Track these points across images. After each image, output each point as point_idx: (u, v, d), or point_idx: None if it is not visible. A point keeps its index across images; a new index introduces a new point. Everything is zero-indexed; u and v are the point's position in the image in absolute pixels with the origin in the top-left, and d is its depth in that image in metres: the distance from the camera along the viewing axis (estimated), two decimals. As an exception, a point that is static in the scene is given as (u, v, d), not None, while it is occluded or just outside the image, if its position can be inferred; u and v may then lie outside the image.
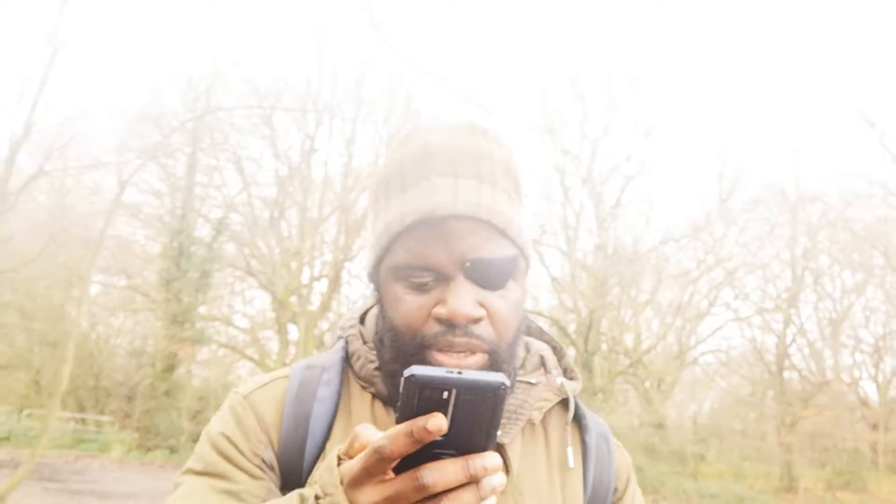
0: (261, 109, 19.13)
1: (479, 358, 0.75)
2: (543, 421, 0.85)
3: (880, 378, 18.69)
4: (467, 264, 0.74)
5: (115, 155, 17.25)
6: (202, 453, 0.79)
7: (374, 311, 0.89)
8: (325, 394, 0.81)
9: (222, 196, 19.14)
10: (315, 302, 18.90)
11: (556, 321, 18.47)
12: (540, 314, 19.45)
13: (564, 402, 0.86)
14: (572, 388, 0.86)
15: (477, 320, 0.75)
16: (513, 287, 0.79)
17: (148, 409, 17.22)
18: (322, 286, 19.27)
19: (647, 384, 18.62)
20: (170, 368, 17.60)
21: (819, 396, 18.11)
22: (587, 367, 16.74)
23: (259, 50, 18.81)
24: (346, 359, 0.86)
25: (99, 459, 15.50)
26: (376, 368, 0.82)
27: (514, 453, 0.79)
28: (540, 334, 0.94)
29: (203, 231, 18.58)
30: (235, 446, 0.78)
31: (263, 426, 0.80)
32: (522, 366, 0.87)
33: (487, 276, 0.75)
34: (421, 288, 0.76)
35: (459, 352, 0.75)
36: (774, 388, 17.93)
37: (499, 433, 0.68)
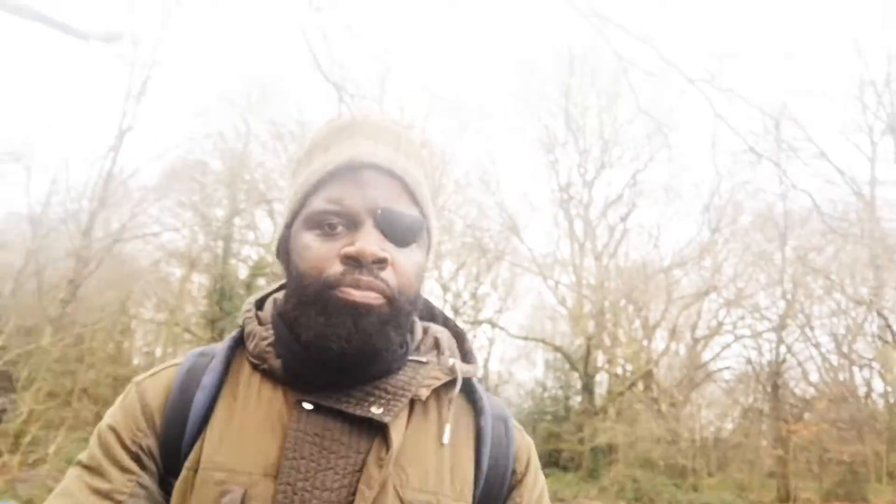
0: (288, 158, 21.25)
1: (380, 299, 0.78)
2: (439, 402, 0.85)
3: (878, 390, 19.40)
4: (378, 212, 0.79)
5: (158, 205, 19.78)
6: (90, 444, 0.82)
7: (274, 296, 0.92)
8: (207, 381, 0.82)
9: (255, 237, 21.23)
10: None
11: (559, 348, 19.82)
12: (543, 341, 20.88)
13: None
14: (465, 369, 0.86)
15: (382, 262, 0.78)
16: (416, 250, 0.83)
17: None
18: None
19: (660, 400, 19.78)
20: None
21: (815, 410, 18.96)
22: (587, 390, 18.07)
23: (283, 98, 20.62)
24: (241, 342, 0.87)
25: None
26: (269, 345, 0.83)
27: (397, 430, 0.78)
28: (444, 321, 0.95)
29: (241, 271, 20.70)
30: (117, 436, 0.81)
31: (148, 412, 0.82)
32: (417, 347, 0.88)
33: (395, 229, 0.79)
34: (331, 234, 0.79)
35: (365, 289, 0.77)
36: (770, 403, 18.90)
37: (380, 410, 0.77)
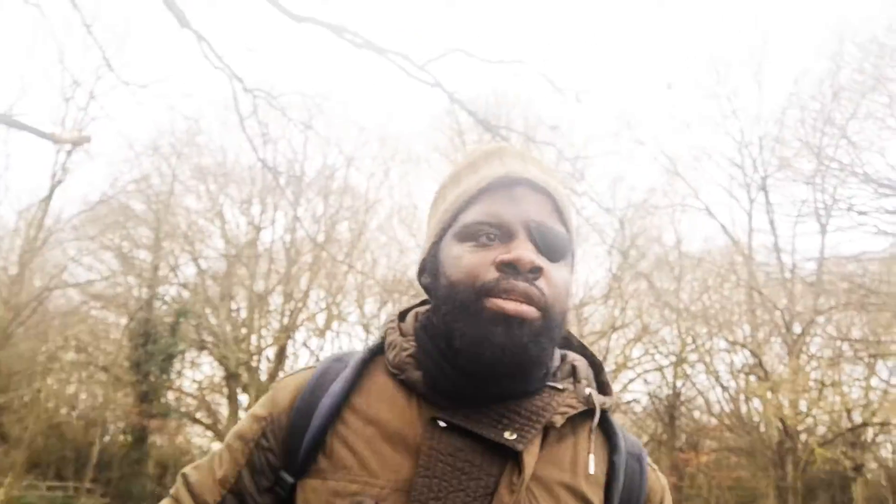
0: (211, 201, 21.89)
1: (534, 311, 0.77)
2: (574, 431, 0.83)
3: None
4: (532, 225, 0.80)
5: (85, 251, 20.25)
6: (236, 426, 0.89)
7: (416, 310, 0.93)
8: (336, 387, 0.83)
9: (178, 278, 21.76)
10: (263, 369, 21.46)
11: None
12: None
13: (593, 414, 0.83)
14: (601, 400, 0.85)
15: (538, 271, 0.78)
16: (564, 267, 0.83)
17: (123, 476, 19.86)
18: (270, 353, 21.83)
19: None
20: (141, 439, 20.25)
21: (712, 439, 20.52)
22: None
23: (206, 140, 21.23)
24: (380, 352, 0.89)
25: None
26: (409, 355, 0.84)
27: (530, 456, 0.77)
28: (581, 349, 0.94)
29: (163, 309, 21.18)
30: (244, 430, 0.87)
31: (277, 411, 0.85)
32: (554, 373, 0.87)
33: (547, 243, 0.80)
34: (484, 244, 0.80)
35: (518, 299, 0.76)
36: (667, 434, 20.39)
37: (513, 436, 0.76)
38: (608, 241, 18.72)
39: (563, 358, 0.90)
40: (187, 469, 0.90)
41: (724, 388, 19.88)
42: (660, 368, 21.10)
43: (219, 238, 22.10)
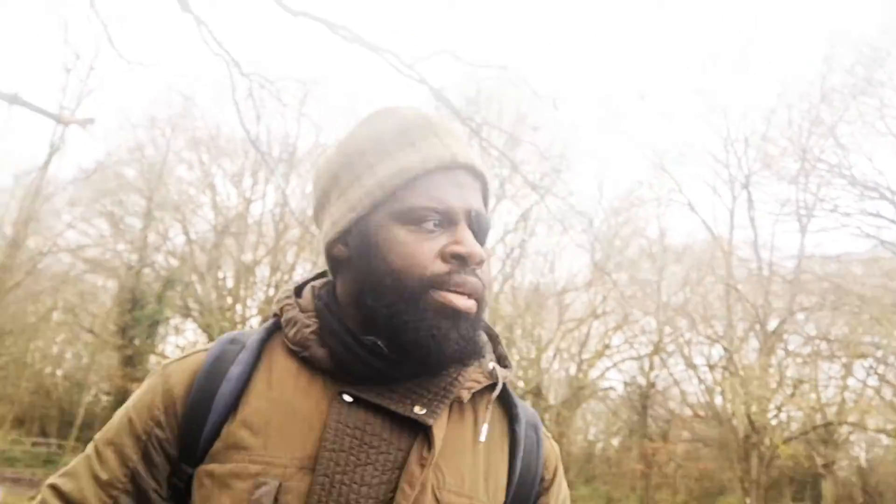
0: (204, 172, 22.10)
1: (473, 304, 0.78)
2: (474, 404, 0.84)
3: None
4: (473, 213, 0.80)
5: (79, 216, 20.55)
6: (111, 423, 0.84)
7: (312, 284, 0.89)
8: (235, 372, 0.80)
9: (167, 247, 22.04)
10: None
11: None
12: None
13: (494, 387, 0.84)
14: (503, 373, 0.86)
15: (482, 264, 0.78)
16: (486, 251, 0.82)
17: (104, 434, 20.37)
18: (255, 323, 22.15)
19: (547, 417, 21.36)
20: (123, 402, 20.59)
21: (684, 429, 20.86)
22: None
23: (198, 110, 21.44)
24: (275, 329, 0.86)
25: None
26: (312, 332, 0.81)
27: (438, 430, 0.77)
28: None
29: (151, 276, 21.50)
30: (131, 424, 0.81)
31: (169, 399, 0.80)
32: None
33: (480, 231, 0.81)
34: (426, 231, 0.78)
35: (466, 293, 0.77)
36: (639, 423, 20.73)
37: (423, 411, 0.76)
38: (592, 230, 18.86)
39: None
40: (54, 479, 0.83)
41: (701, 381, 20.18)
42: (638, 357, 21.38)
43: (209, 209, 22.34)
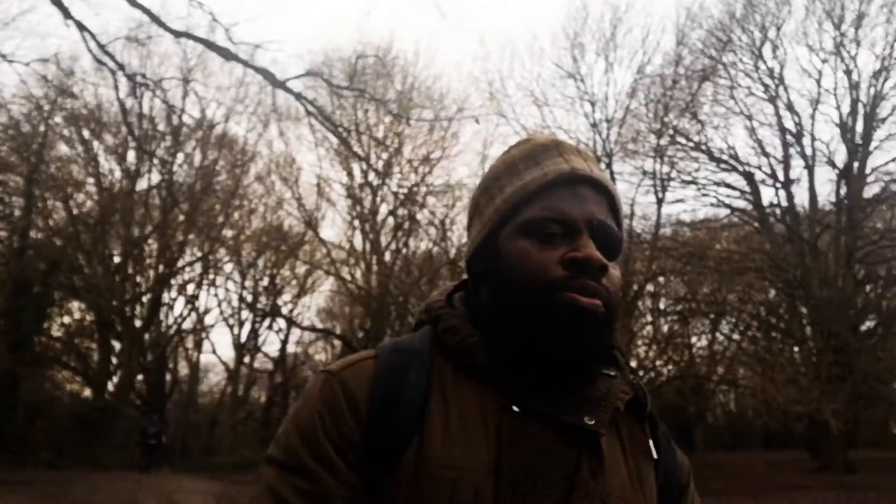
0: (85, 147, 21.69)
1: (598, 303, 0.79)
2: (615, 415, 0.85)
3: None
4: (595, 223, 0.82)
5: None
6: (287, 441, 0.79)
7: (459, 294, 0.92)
8: (416, 378, 0.81)
9: (50, 226, 21.65)
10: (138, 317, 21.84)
11: (343, 336, 21.64)
12: (327, 332, 22.76)
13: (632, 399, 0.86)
14: (640, 385, 0.87)
15: (604, 269, 0.80)
16: (617, 266, 0.84)
17: (-3, 422, 20.22)
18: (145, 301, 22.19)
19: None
20: (12, 386, 20.49)
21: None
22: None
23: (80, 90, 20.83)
24: (437, 340, 0.86)
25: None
26: (476, 340, 0.83)
27: (604, 440, 0.79)
28: None
29: (36, 259, 21.14)
30: (324, 430, 0.78)
31: (353, 403, 0.79)
32: None
33: (606, 243, 0.82)
34: (549, 240, 0.81)
35: (588, 294, 0.78)
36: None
37: (592, 421, 0.77)
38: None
39: None
40: None
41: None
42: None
43: (92, 185, 22.04)
